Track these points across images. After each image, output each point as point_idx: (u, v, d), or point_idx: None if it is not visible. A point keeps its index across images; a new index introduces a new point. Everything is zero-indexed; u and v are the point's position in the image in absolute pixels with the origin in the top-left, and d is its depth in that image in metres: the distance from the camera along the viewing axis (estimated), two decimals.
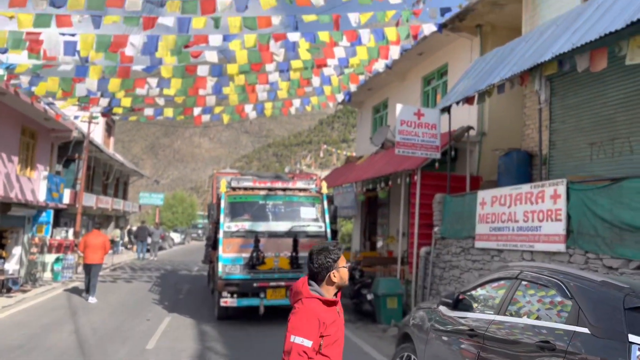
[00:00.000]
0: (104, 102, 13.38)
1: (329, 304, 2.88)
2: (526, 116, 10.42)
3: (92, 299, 12.33)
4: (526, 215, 7.62)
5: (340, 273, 2.94)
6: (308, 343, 2.71)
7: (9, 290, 12.92)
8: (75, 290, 14.07)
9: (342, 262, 2.96)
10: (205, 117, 15.33)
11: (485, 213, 8.70)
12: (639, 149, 7.64)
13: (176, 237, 43.91)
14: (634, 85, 7.67)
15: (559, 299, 3.86)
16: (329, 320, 2.82)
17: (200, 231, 57.93)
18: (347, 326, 10.03)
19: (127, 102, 13.46)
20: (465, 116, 11.86)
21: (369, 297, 10.69)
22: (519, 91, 10.81)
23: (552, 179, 8.68)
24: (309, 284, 2.91)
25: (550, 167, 9.39)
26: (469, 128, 11.22)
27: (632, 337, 3.09)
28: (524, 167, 9.92)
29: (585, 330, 3.40)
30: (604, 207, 6.20)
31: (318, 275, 2.93)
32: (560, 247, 6.80)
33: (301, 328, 2.73)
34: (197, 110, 14.70)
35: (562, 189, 6.91)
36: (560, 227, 6.85)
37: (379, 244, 17.06)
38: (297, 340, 2.70)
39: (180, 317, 10.58)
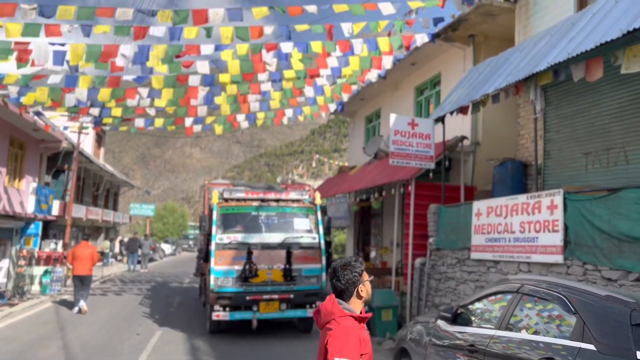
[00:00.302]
0: (94, 112, 13.24)
1: (361, 320, 2.77)
2: (520, 126, 10.39)
3: (82, 303, 12.35)
4: (523, 226, 7.55)
5: (366, 287, 2.86)
6: None
7: None
8: (64, 304, 13.80)
9: (366, 276, 2.88)
10: (197, 128, 15.21)
11: (481, 224, 8.62)
12: (634, 158, 7.61)
13: (167, 248, 43.51)
14: (628, 94, 7.65)
15: (562, 313, 3.76)
16: (365, 337, 2.72)
17: (191, 242, 57.48)
18: None
19: (117, 112, 13.32)
20: (458, 126, 11.83)
21: None
22: (512, 101, 10.79)
23: (547, 189, 8.64)
24: (339, 302, 2.79)
25: (545, 177, 9.35)
26: (463, 138, 11.17)
27: None
28: (518, 177, 9.87)
29: (591, 346, 3.30)
30: (601, 218, 6.13)
31: (346, 292, 2.81)
32: (558, 258, 6.72)
33: (344, 349, 2.57)
34: (188, 121, 14.58)
35: (559, 200, 6.84)
36: (557, 238, 6.77)
37: (372, 254, 16.94)
38: None
39: (171, 330, 10.37)
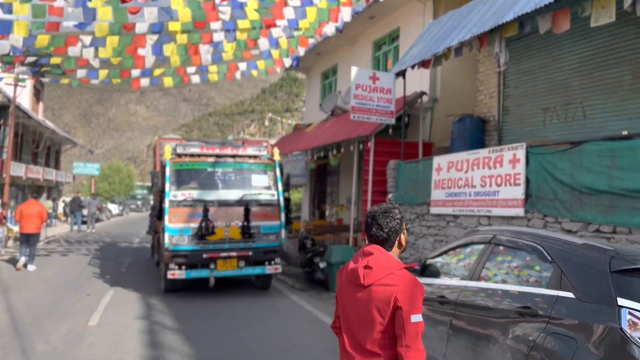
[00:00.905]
0: (31, 61, 12.27)
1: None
2: (479, 82, 10.37)
3: (31, 267, 12.19)
4: (484, 180, 7.57)
5: (405, 235, 2.61)
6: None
7: None
8: (5, 265, 13.07)
9: (404, 224, 2.63)
10: (144, 81, 14.38)
11: (441, 179, 8.62)
12: (592, 113, 7.72)
13: (114, 208, 42.16)
14: (590, 49, 7.69)
15: (537, 263, 3.72)
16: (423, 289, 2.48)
17: (139, 202, 56.02)
18: (300, 295, 9.85)
19: (57, 60, 12.39)
20: (417, 82, 11.71)
21: (322, 265, 10.52)
22: (471, 57, 10.73)
23: (504, 144, 8.70)
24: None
25: (503, 132, 9.41)
26: (422, 94, 11.08)
27: (621, 301, 2.97)
28: (477, 133, 9.92)
29: (570, 294, 3.26)
30: (563, 171, 6.18)
31: (387, 241, 2.51)
32: (519, 211, 6.79)
33: (417, 304, 2.33)
34: (135, 73, 13.75)
35: (521, 153, 6.86)
36: (519, 192, 6.83)
37: (328, 212, 16.93)
38: (419, 318, 2.30)
39: (124, 290, 10.01)
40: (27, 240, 12.21)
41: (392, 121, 10.19)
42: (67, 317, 7.84)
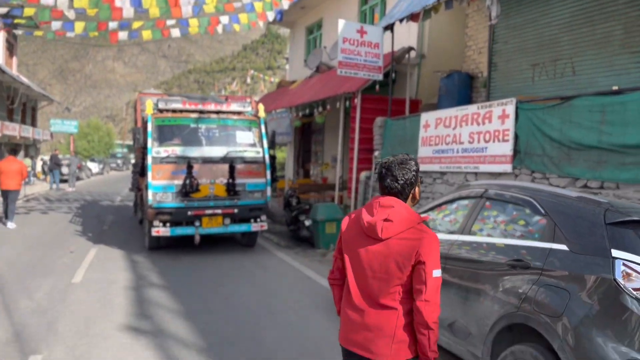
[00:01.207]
0: (3, 11, 11.70)
1: None
2: (468, 37, 10.19)
3: (10, 224, 12.04)
4: (472, 136, 7.53)
5: (420, 188, 2.51)
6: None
7: None
8: None
9: (419, 176, 2.54)
10: (122, 34, 13.85)
11: (429, 135, 8.56)
12: (581, 69, 7.65)
13: (94, 167, 41.51)
14: (579, 4, 7.55)
15: (530, 216, 3.70)
16: None
17: (119, 161, 55.26)
18: (286, 252, 9.87)
19: (30, 12, 11.84)
20: (404, 37, 11.47)
21: (307, 223, 10.52)
22: (460, 12, 10.51)
23: (492, 100, 8.62)
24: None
25: (491, 89, 9.31)
26: (410, 49, 10.87)
27: (615, 252, 2.97)
28: (464, 89, 9.82)
29: (563, 247, 3.26)
30: (553, 127, 6.15)
31: (402, 194, 2.39)
32: (507, 167, 6.79)
33: (437, 259, 2.28)
34: (112, 25, 13.21)
35: (510, 109, 6.80)
36: (507, 148, 6.80)
37: (312, 171, 16.86)
38: (439, 273, 2.26)
39: (107, 248, 9.91)
40: (7, 197, 12.06)
41: (380, 77, 10.01)
42: (50, 274, 7.74)
